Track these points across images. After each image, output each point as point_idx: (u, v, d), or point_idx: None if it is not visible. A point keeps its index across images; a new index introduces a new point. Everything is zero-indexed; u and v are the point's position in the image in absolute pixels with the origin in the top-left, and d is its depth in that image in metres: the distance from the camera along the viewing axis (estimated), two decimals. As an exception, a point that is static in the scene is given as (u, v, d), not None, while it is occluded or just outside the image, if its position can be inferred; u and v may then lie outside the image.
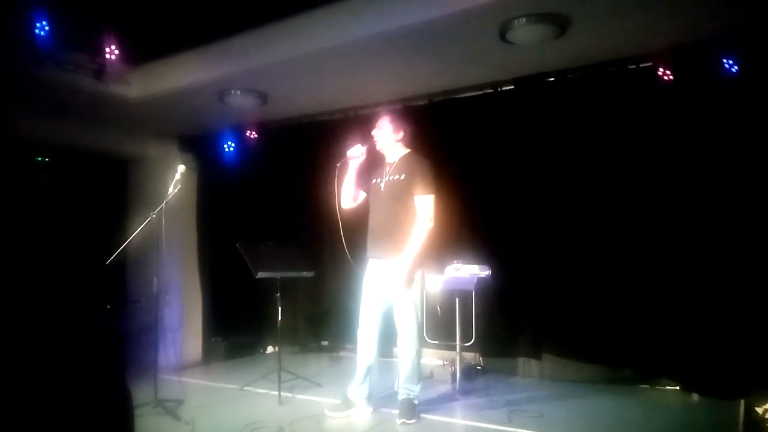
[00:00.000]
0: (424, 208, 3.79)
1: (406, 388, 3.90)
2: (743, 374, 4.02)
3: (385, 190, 3.90)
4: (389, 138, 3.95)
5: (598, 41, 4.24)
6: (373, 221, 3.97)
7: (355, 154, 3.96)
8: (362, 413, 3.99)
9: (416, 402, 3.92)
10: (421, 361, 3.97)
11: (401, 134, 3.96)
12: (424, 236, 3.76)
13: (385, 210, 3.89)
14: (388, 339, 4.02)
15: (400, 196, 3.83)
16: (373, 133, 4.00)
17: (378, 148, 4.00)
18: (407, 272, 3.74)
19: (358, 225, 4.10)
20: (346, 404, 4.01)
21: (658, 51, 4.31)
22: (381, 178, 3.98)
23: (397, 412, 3.87)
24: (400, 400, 3.92)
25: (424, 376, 4.10)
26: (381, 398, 4.11)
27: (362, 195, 4.10)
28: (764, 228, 4.06)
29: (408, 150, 4.00)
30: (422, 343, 4.00)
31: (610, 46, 4.33)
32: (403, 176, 3.85)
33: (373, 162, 4.09)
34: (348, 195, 4.06)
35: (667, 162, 4.43)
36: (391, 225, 3.84)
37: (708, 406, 4.05)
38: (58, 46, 4.36)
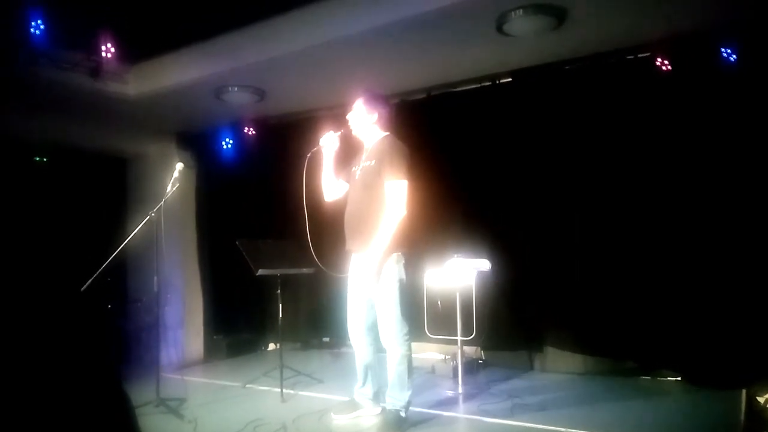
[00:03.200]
0: (394, 195, 3.42)
1: (391, 397, 3.59)
2: (744, 364, 4.02)
3: (359, 177, 3.62)
4: (363, 120, 3.65)
5: (595, 32, 4.22)
6: (347, 212, 3.69)
7: (328, 142, 3.71)
8: (369, 413, 3.78)
9: (404, 414, 3.56)
10: (418, 356, 3.83)
11: (376, 116, 3.63)
12: (394, 226, 3.40)
13: (357, 199, 3.62)
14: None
15: (371, 183, 3.51)
16: (348, 116, 3.72)
17: (354, 133, 3.73)
18: (378, 265, 3.42)
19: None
20: (353, 406, 3.82)
21: (656, 41, 4.29)
22: (357, 165, 3.70)
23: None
24: (382, 408, 3.71)
25: (426, 372, 4.03)
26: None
27: (347, 186, 3.82)
28: (763, 219, 4.05)
29: (386, 133, 3.68)
30: (409, 343, 3.57)
31: (608, 36, 4.31)
32: (374, 161, 3.54)
33: (357, 149, 3.84)
34: (328, 187, 3.81)
35: (666, 153, 4.41)
36: (362, 215, 3.55)
37: (710, 396, 4.04)
38: (53, 44, 4.34)
